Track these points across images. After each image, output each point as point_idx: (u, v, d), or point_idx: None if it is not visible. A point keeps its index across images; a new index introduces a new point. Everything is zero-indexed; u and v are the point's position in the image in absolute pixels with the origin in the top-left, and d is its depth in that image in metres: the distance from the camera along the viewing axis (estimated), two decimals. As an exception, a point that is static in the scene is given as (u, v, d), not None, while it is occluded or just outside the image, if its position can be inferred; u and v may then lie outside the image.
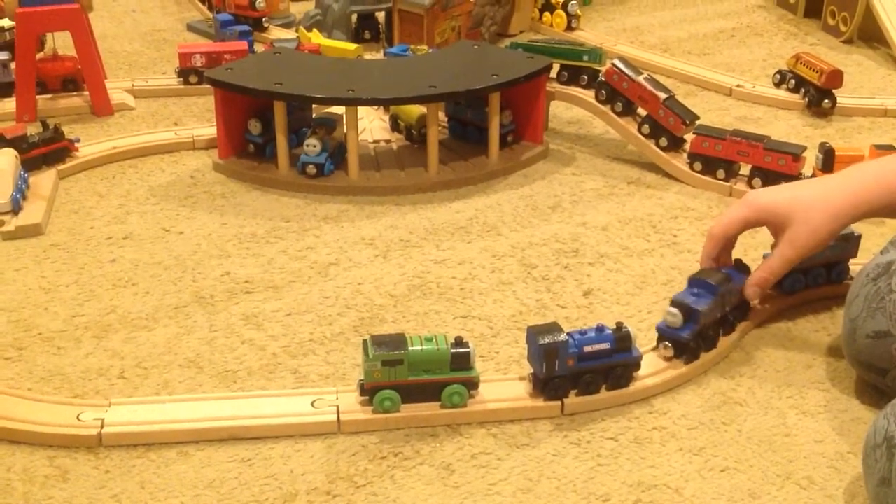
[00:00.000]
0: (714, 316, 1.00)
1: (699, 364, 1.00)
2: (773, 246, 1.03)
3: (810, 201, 0.98)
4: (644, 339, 1.03)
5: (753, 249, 1.18)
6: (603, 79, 1.49)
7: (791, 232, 0.99)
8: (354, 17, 2.01)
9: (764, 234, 1.12)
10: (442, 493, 0.85)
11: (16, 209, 1.29)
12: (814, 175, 1.35)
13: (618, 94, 1.47)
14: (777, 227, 1.01)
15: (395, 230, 1.30)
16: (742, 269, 1.05)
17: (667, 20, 2.21)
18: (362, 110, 1.58)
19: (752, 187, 1.37)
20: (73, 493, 0.84)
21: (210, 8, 2.09)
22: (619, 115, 1.48)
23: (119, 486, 0.85)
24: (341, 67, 1.50)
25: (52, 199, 1.35)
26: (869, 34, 2.04)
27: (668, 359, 0.99)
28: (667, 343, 0.99)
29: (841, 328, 0.98)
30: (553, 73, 1.53)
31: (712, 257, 1.04)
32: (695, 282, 1.01)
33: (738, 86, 1.78)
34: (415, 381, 0.91)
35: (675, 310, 0.98)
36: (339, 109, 1.50)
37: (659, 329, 1.00)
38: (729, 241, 1.04)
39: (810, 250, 1.00)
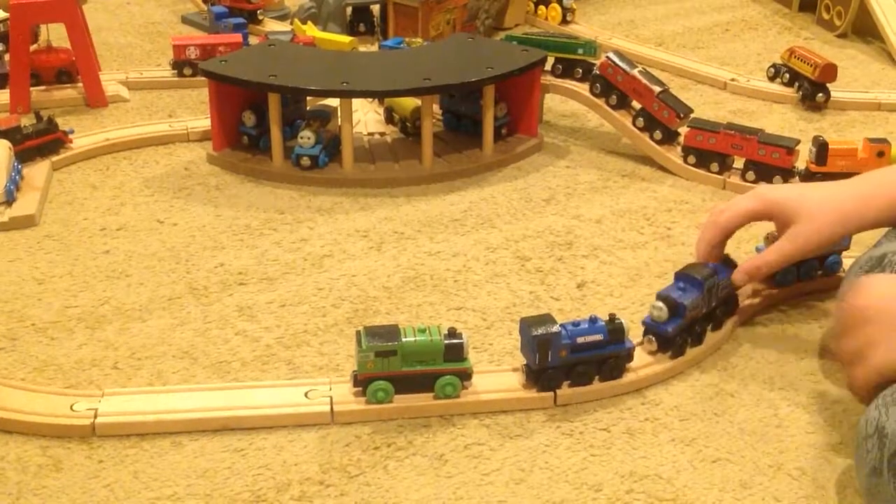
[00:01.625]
0: (700, 311, 1.00)
1: (691, 356, 1.00)
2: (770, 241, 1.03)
3: (819, 201, 0.98)
4: (637, 331, 1.03)
5: (746, 242, 1.18)
6: (597, 72, 1.49)
7: (795, 228, 0.98)
8: (349, 9, 2.00)
9: (756, 229, 1.13)
10: (435, 484, 0.85)
11: (9, 200, 1.29)
12: (807, 168, 1.35)
13: (612, 87, 1.47)
14: (783, 223, 1.00)
15: (390, 222, 1.30)
16: (729, 264, 1.05)
17: (661, 14, 2.21)
18: (357, 102, 1.58)
19: (745, 181, 1.38)
20: (67, 482, 0.84)
21: (205, 0, 2.09)
22: (614, 108, 1.48)
23: (112, 476, 0.85)
24: (336, 60, 1.50)
25: (45, 190, 1.35)
26: (863, 28, 2.04)
27: (652, 353, 0.99)
28: (651, 337, 0.99)
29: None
30: (548, 67, 1.53)
31: (713, 245, 1.03)
32: (681, 276, 1.01)
33: (732, 80, 1.78)
34: (408, 372, 0.91)
35: (660, 304, 0.98)
36: (333, 102, 1.50)
37: (644, 323, 1.00)
38: (730, 233, 1.04)
39: (811, 249, 0.99)
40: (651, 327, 0.99)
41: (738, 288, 1.05)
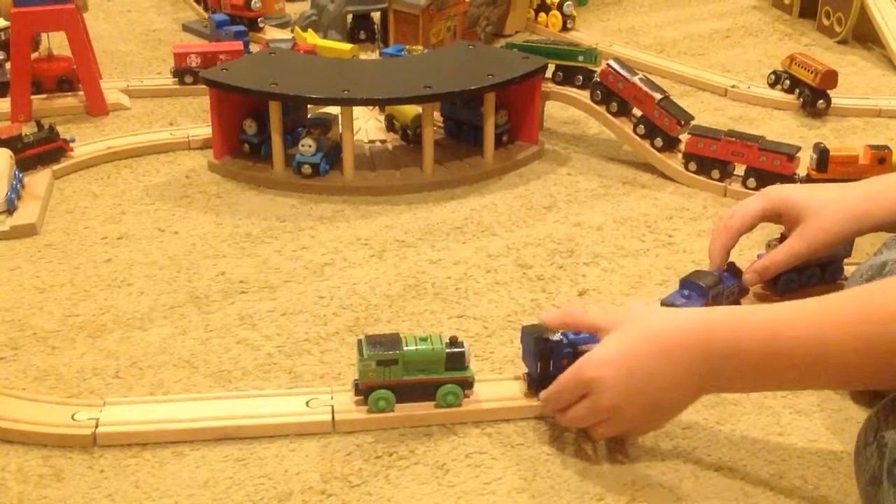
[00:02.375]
0: None
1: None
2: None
3: (827, 200, 0.99)
4: (638, 339, 1.03)
5: (748, 249, 1.18)
6: (598, 79, 1.49)
7: (803, 226, 0.99)
8: (350, 17, 2.00)
9: (760, 234, 1.13)
10: (436, 493, 0.85)
11: (10, 209, 1.29)
12: (808, 175, 1.35)
13: (613, 94, 1.47)
14: (792, 221, 1.00)
15: (391, 230, 1.30)
16: (734, 272, 1.05)
17: (662, 21, 2.21)
18: (357, 110, 1.59)
19: (746, 188, 1.38)
20: (68, 492, 0.84)
21: (205, 8, 2.09)
22: (615, 115, 1.48)
23: (113, 486, 0.85)
24: (337, 67, 1.50)
25: (46, 199, 1.35)
26: (864, 35, 2.04)
27: None
28: None
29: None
30: (548, 74, 1.53)
31: (728, 249, 1.04)
32: (686, 283, 1.01)
33: (732, 86, 1.78)
34: (409, 381, 0.91)
35: None
36: (334, 109, 1.50)
37: None
38: (742, 235, 1.04)
39: (819, 247, 1.00)
40: None
41: (747, 289, 1.05)
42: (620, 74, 1.46)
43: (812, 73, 1.65)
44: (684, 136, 1.43)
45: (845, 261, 1.13)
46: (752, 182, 1.37)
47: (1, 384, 0.98)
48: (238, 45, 1.73)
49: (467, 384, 0.93)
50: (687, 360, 0.81)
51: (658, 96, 1.43)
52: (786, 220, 1.02)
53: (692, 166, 1.42)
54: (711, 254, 1.05)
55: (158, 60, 1.91)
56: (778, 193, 1.03)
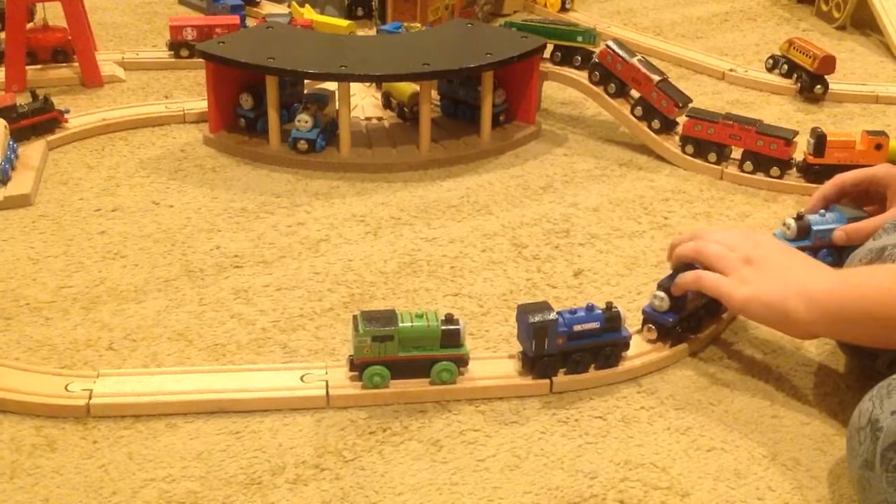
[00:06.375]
0: (701, 301, 1.00)
1: (688, 346, 1.00)
2: None
3: None
4: (633, 320, 1.03)
5: (770, 228, 1.18)
6: (596, 60, 1.48)
7: None
8: (347, -7, 1.99)
9: (778, 218, 1.13)
10: (430, 469, 0.85)
11: (4, 179, 1.28)
12: (804, 160, 1.35)
13: (611, 75, 1.47)
14: (893, 192, 1.06)
15: (386, 207, 1.30)
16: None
17: (660, 3, 2.21)
18: (354, 87, 1.58)
19: (743, 171, 1.38)
20: (61, 462, 0.84)
21: (202, -19, 2.08)
22: (612, 96, 1.48)
23: (107, 457, 0.85)
24: (334, 43, 1.49)
25: (40, 169, 1.35)
26: (862, 21, 2.04)
27: (651, 341, 0.99)
28: (650, 326, 0.99)
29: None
30: (546, 54, 1.53)
31: (825, 196, 1.12)
32: (686, 265, 1.01)
33: (730, 70, 1.78)
34: (404, 358, 0.91)
35: (661, 293, 0.98)
36: (331, 85, 1.49)
37: (644, 312, 1.00)
38: (845, 192, 1.11)
39: None
40: (651, 316, 0.99)
41: (836, 242, 1.09)
42: (619, 56, 1.46)
43: (810, 57, 1.65)
44: (682, 119, 1.43)
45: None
46: (748, 165, 1.37)
47: (-6, 354, 0.98)
48: (234, 19, 1.72)
49: (462, 361, 0.93)
50: (799, 260, 0.93)
51: (656, 78, 1.43)
52: (890, 192, 1.07)
53: (689, 149, 1.42)
54: (813, 197, 1.14)
55: (154, 33, 1.90)
56: (885, 167, 1.09)
